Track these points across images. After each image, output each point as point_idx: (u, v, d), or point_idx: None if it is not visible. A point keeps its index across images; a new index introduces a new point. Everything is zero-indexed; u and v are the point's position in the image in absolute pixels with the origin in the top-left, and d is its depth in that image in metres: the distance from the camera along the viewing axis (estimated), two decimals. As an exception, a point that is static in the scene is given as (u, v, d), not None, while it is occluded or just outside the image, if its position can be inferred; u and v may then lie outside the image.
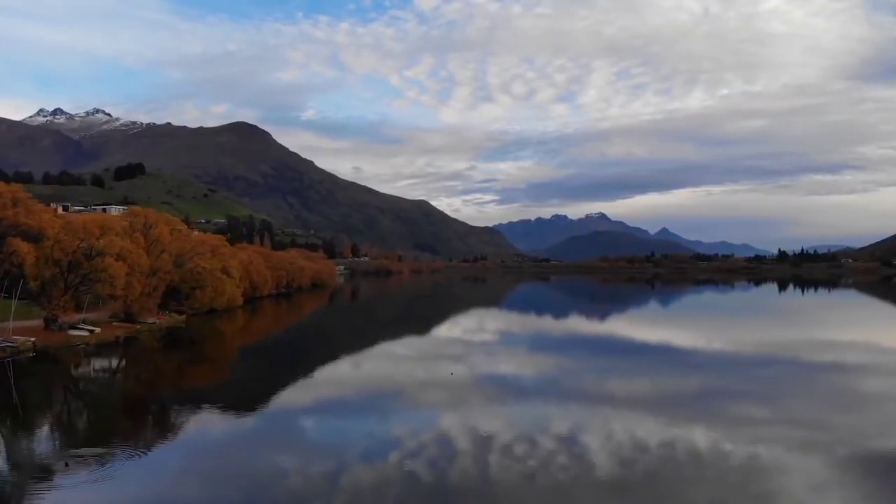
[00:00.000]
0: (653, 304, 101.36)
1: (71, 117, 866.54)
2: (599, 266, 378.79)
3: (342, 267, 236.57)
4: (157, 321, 51.21)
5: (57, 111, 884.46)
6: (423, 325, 64.68)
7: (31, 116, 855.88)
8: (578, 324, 67.82)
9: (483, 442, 20.29)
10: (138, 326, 48.08)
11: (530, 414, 24.24)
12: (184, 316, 56.62)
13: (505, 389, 29.45)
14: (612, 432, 21.23)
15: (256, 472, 17.47)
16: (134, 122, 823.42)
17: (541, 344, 49.04)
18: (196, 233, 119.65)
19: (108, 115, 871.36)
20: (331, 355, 41.69)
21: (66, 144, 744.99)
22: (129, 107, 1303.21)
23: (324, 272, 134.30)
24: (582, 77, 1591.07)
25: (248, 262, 79.39)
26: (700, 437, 20.66)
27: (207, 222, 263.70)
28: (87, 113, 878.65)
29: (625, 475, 17.05)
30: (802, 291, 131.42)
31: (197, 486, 16.58)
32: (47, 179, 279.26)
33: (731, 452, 19.01)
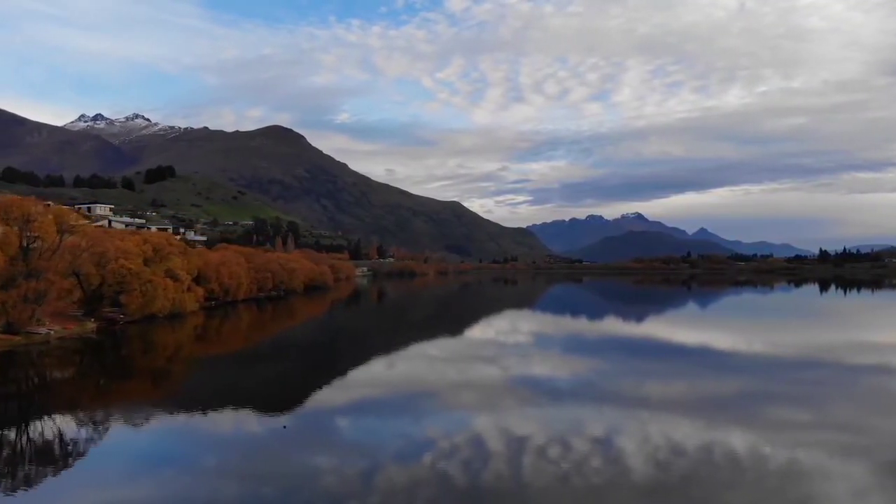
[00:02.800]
0: (690, 306, 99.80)
1: (111, 122, 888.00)
2: (633, 267, 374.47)
3: (365, 268, 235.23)
4: (51, 331, 43.76)
5: (97, 117, 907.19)
6: (452, 328, 64.17)
7: (72, 122, 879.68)
8: (613, 326, 66.98)
9: (516, 443, 20.19)
10: (18, 338, 40.74)
11: (564, 416, 24.02)
12: (95, 324, 49.33)
13: (538, 391, 29.22)
14: (647, 435, 20.94)
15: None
16: (172, 127, 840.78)
17: (574, 346, 48.61)
18: (159, 231, 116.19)
19: (147, 120, 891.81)
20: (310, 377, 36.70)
21: (105, 149, 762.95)
22: (167, 112, 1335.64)
23: (326, 273, 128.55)
24: (616, 75, 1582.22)
25: (218, 263, 75.53)
26: (738, 440, 20.29)
27: (235, 224, 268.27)
28: (127, 118, 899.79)
29: (660, 478, 16.83)
30: (845, 292, 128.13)
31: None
32: (78, 182, 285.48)
33: (769, 456, 18.65)
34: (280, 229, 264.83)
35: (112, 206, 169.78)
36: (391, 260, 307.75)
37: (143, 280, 53.94)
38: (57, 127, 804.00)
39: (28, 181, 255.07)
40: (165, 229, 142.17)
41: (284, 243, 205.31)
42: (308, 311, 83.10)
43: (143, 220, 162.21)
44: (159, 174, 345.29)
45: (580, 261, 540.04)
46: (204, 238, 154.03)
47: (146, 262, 57.64)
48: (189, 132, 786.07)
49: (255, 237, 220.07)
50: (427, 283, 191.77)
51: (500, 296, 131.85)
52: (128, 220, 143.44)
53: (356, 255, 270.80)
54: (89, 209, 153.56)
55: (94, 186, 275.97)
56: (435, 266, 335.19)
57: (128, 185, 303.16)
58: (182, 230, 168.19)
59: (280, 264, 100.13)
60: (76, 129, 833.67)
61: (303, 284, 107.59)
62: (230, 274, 75.60)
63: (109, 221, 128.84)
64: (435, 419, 24.02)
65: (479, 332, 59.98)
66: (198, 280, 68.18)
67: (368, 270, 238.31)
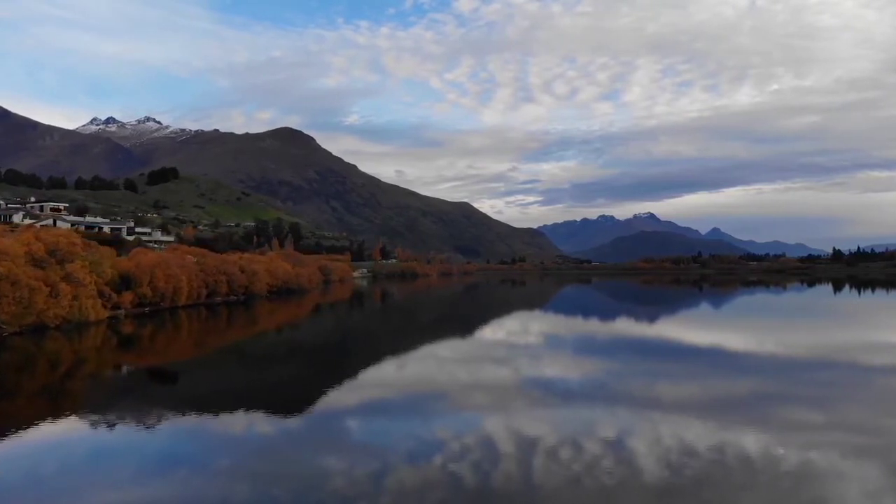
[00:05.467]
0: (703, 307, 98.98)
1: (122, 126, 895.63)
2: (642, 267, 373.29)
3: (364, 269, 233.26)
4: None
5: (109, 120, 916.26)
6: (462, 331, 63.84)
7: (83, 125, 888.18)
8: (624, 327, 66.53)
9: (527, 445, 20.10)
10: None
11: (575, 417, 23.90)
12: None
13: (549, 392, 29.06)
14: (659, 436, 20.81)
15: None
16: (183, 130, 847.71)
17: (584, 347, 48.27)
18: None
19: (158, 122, 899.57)
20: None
21: (116, 152, 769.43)
22: (178, 114, 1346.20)
23: (305, 276, 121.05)
24: (625, 75, 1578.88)
25: (152, 264, 68.95)
26: (751, 441, 20.12)
27: (237, 225, 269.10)
28: (139, 121, 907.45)
29: (673, 480, 16.72)
30: (859, 292, 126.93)
31: None
32: (80, 184, 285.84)
33: (783, 458, 18.48)
34: (281, 230, 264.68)
35: (65, 205, 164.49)
36: (394, 261, 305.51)
37: (20, 286, 45.76)
38: (69, 130, 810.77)
39: (30, 183, 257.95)
40: (119, 230, 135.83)
41: (282, 244, 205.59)
42: (273, 316, 75.01)
43: (107, 220, 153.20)
44: (162, 176, 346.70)
45: (588, 261, 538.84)
46: (171, 238, 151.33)
47: (40, 264, 50.78)
48: (200, 134, 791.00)
49: (256, 238, 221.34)
50: (429, 285, 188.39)
51: (507, 298, 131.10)
52: (76, 219, 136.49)
53: (359, 255, 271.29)
54: (41, 208, 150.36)
55: (96, 188, 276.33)
56: (438, 267, 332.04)
57: (130, 186, 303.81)
58: (149, 229, 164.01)
59: (240, 266, 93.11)
60: (88, 132, 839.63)
61: (267, 288, 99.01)
62: (167, 276, 69.44)
63: (55, 221, 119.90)
64: (444, 421, 23.83)
65: (490, 334, 59.60)
66: (128, 284, 63.89)
67: (368, 272, 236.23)
